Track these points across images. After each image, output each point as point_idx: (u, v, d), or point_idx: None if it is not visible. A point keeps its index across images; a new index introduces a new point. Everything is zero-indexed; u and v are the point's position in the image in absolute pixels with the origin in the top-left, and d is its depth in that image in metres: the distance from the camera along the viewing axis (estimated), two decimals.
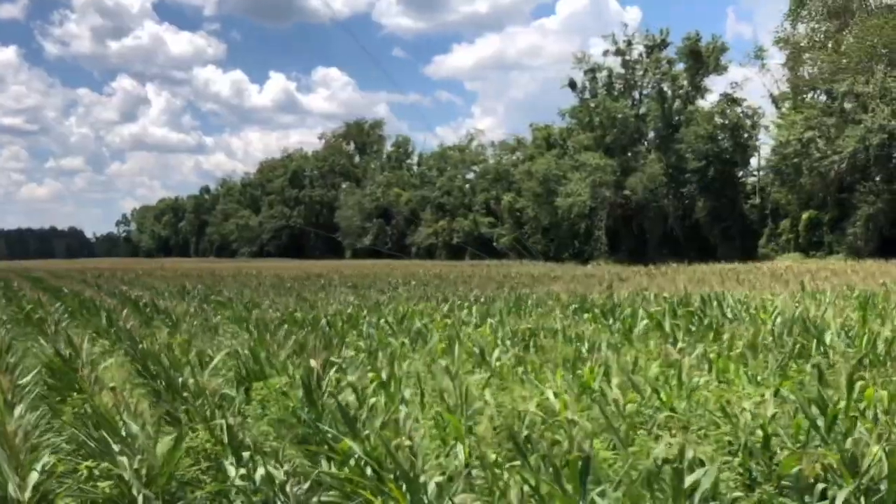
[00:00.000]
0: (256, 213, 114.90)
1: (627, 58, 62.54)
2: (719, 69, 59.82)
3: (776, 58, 60.03)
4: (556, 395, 5.97)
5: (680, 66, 61.23)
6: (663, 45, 61.68)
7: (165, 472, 5.05)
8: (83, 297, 20.03)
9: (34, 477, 4.82)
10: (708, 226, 57.96)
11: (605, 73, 63.04)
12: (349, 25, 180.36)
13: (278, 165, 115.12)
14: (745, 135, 55.41)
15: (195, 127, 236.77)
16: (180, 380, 7.12)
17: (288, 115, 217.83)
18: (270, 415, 6.60)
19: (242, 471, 4.85)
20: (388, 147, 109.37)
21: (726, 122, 54.33)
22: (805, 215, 51.65)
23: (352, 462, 4.80)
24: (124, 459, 4.94)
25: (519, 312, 13.15)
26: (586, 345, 8.82)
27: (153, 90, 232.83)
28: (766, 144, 59.29)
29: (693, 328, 10.63)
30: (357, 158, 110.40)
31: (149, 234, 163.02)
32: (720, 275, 25.43)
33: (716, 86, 62.28)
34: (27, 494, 4.69)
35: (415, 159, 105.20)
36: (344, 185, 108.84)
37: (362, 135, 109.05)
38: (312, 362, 6.84)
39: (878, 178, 43.94)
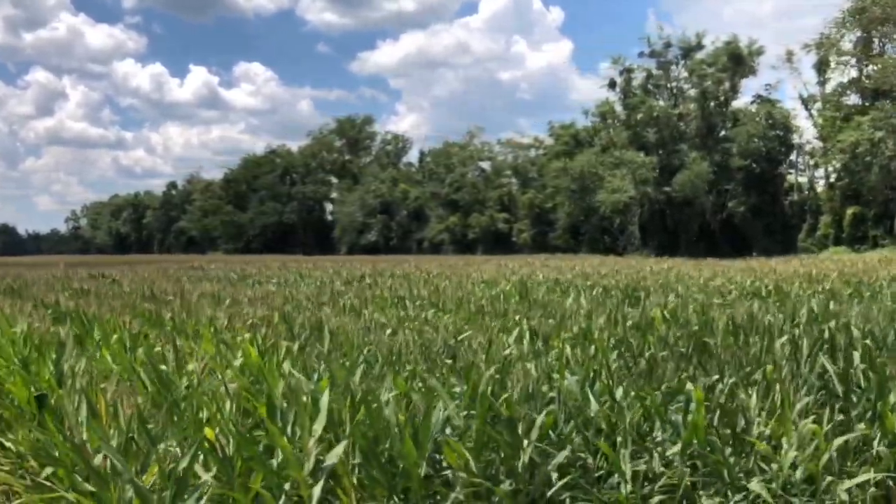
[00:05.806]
0: (240, 209, 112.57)
1: (663, 59, 64.91)
2: (753, 71, 62.76)
3: (804, 61, 63.44)
4: None
5: (710, 69, 63.75)
6: (698, 47, 64.28)
7: None
8: None
9: None
10: (748, 221, 60.55)
11: (643, 73, 65.25)
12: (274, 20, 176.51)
13: (263, 161, 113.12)
14: (789, 134, 58.25)
15: (114, 122, 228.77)
16: None
17: (210, 111, 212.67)
18: None
19: None
20: (377, 143, 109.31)
21: (772, 121, 57.01)
22: (850, 211, 54.71)
23: None
24: None
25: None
26: None
27: (70, 84, 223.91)
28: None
29: None
30: (347, 155, 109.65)
31: (104, 231, 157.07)
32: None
33: (743, 87, 65.33)
34: None
35: (411, 156, 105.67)
36: (334, 181, 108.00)
37: (353, 131, 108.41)
38: None
39: None
